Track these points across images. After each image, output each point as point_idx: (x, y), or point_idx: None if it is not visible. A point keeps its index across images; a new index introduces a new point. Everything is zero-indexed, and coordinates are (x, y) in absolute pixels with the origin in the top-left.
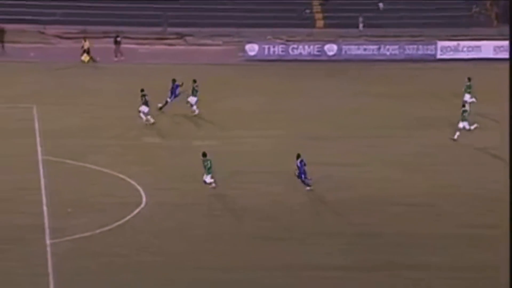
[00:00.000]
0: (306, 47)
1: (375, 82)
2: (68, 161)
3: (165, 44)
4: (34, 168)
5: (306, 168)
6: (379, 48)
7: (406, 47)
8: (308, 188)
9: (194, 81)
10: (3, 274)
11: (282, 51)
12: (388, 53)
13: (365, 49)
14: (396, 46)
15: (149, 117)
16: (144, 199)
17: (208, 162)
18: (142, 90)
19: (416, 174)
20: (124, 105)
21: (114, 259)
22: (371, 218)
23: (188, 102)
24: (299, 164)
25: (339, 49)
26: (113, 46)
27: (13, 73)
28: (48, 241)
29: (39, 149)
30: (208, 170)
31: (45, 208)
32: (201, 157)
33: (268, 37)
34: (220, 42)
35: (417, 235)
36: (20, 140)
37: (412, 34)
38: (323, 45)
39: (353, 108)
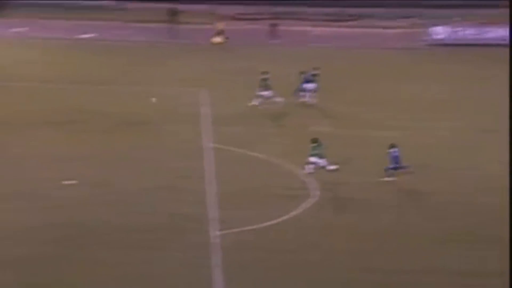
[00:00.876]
0: (501, 30)
1: None
2: (234, 149)
3: (340, 26)
4: (199, 155)
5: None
6: None
7: None
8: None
9: (315, 68)
10: (164, 263)
11: (473, 34)
12: None
13: None
14: None
15: (275, 98)
16: (312, 193)
17: (321, 146)
18: (264, 73)
19: None
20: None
21: (274, 255)
22: None
23: (304, 89)
24: (396, 153)
25: None
26: (287, 28)
27: (185, 55)
28: (211, 233)
29: (204, 135)
30: (320, 154)
31: (209, 198)
32: (312, 143)
33: (457, 18)
34: (402, 24)
35: None
36: (186, 125)
37: None
38: None
39: None
